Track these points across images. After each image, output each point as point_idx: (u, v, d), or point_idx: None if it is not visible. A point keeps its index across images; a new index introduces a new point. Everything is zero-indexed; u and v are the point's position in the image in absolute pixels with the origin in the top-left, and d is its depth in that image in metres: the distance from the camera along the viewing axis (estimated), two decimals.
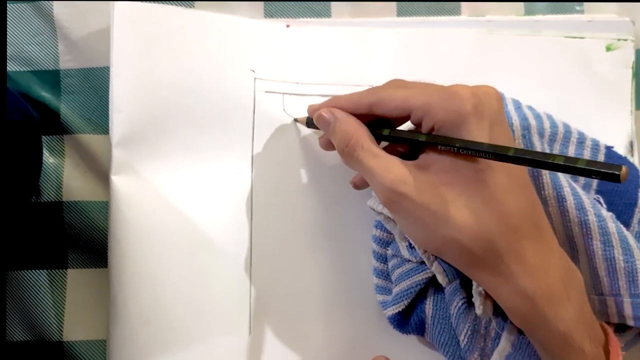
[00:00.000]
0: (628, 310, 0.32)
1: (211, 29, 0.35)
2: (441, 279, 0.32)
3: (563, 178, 0.33)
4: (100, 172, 0.37)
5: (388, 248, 0.35)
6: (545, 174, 0.33)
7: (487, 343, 0.33)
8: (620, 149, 0.38)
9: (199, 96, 0.35)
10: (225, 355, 0.34)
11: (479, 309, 0.30)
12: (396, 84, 0.31)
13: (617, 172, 0.22)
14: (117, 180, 0.34)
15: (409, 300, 0.34)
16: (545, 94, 0.38)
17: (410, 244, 0.33)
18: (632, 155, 0.38)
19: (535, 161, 0.25)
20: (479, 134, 0.27)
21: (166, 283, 0.34)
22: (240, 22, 0.36)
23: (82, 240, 0.36)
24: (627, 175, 0.22)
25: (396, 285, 0.35)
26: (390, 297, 0.35)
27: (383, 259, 0.36)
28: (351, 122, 0.31)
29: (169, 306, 0.34)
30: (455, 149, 0.27)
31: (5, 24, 0.37)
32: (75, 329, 0.36)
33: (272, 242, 0.36)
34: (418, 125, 0.30)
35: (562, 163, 0.24)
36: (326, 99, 0.33)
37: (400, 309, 0.34)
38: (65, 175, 0.37)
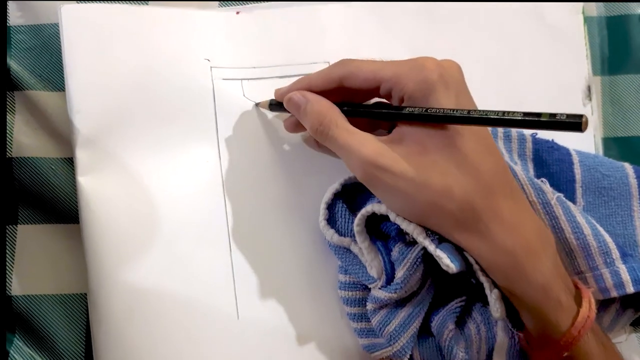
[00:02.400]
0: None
1: (161, 23, 0.35)
2: (447, 263, 0.29)
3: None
4: (51, 129, 0.36)
5: (358, 291, 0.34)
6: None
7: (481, 346, 0.33)
8: (578, 94, 0.38)
9: (157, 90, 0.35)
10: (216, 342, 0.33)
11: (497, 312, 0.30)
12: (361, 59, 0.31)
13: (579, 121, 0.23)
14: (84, 181, 0.33)
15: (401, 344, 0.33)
16: (498, 48, 0.39)
17: (385, 283, 0.32)
18: (590, 100, 0.38)
19: (500, 120, 0.26)
20: (446, 102, 0.28)
21: (147, 276, 0.33)
22: (190, 14, 0.36)
23: (32, 196, 0.35)
24: (587, 124, 0.23)
25: (385, 332, 0.33)
26: (378, 341, 0.34)
27: (357, 303, 0.34)
28: (323, 102, 0.31)
29: (152, 299, 0.33)
30: (426, 116, 0.28)
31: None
32: (25, 284, 0.35)
33: (249, 224, 0.35)
34: (387, 97, 0.30)
35: (528, 119, 0.25)
36: (285, 80, 0.34)
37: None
38: (16, 132, 0.36)
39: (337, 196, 0.34)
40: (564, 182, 0.36)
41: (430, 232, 0.30)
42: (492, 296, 0.30)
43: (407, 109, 0.28)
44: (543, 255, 0.29)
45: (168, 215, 0.34)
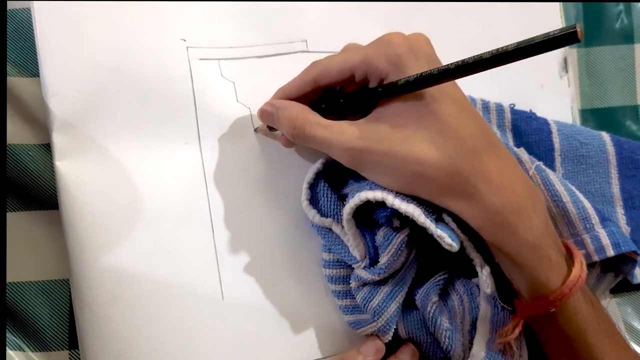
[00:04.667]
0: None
1: (135, 4, 0.35)
2: (449, 242, 0.30)
3: None
4: (28, 115, 0.36)
5: (342, 269, 0.35)
6: None
7: (465, 317, 0.33)
8: (555, 67, 0.39)
9: (133, 72, 0.34)
10: (201, 324, 0.33)
11: (488, 288, 0.30)
12: (328, 56, 0.32)
13: (573, 31, 0.22)
14: (62, 165, 0.33)
15: (385, 319, 0.33)
16: (473, 24, 0.39)
17: (368, 265, 0.32)
18: (567, 72, 0.39)
19: (492, 58, 0.24)
20: (418, 72, 0.28)
21: (129, 260, 0.33)
22: None
23: (11, 183, 0.35)
24: (582, 33, 0.22)
25: (368, 307, 0.33)
26: (364, 317, 0.34)
27: (341, 280, 0.35)
28: (293, 105, 0.32)
29: (135, 282, 0.33)
30: (405, 85, 0.28)
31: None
32: (10, 272, 0.35)
33: (231, 205, 0.35)
34: (364, 82, 0.31)
35: (522, 47, 0.23)
36: (263, 60, 0.35)
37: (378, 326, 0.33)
38: None
39: (318, 175, 0.34)
40: (543, 151, 0.36)
41: (427, 213, 0.29)
42: (484, 273, 0.30)
43: (401, 80, 0.28)
44: (533, 214, 0.29)
45: (148, 198, 0.34)
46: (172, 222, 0.34)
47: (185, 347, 0.33)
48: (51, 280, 0.35)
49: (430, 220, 0.29)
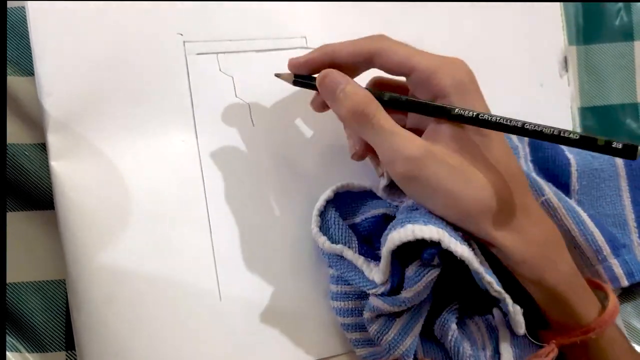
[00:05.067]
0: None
1: (130, 2, 0.34)
2: (497, 289, 0.29)
3: None
4: (23, 115, 0.35)
5: (351, 301, 0.34)
6: None
7: (485, 342, 0.33)
8: (555, 65, 0.38)
9: (129, 69, 0.34)
10: (198, 324, 0.33)
11: (521, 327, 0.30)
12: (393, 39, 0.30)
13: (634, 151, 0.24)
14: (57, 165, 0.33)
15: (401, 352, 0.32)
16: (473, 22, 0.39)
17: (387, 292, 0.31)
18: (567, 71, 0.39)
19: (554, 137, 0.26)
20: (479, 104, 0.28)
21: (125, 259, 0.33)
22: None
23: (8, 183, 0.35)
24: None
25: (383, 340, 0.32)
26: (378, 349, 0.33)
27: (350, 313, 0.34)
28: (364, 89, 0.29)
29: (132, 282, 0.33)
30: (481, 121, 0.27)
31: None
32: (7, 272, 0.34)
33: (228, 204, 0.35)
34: (414, 88, 0.29)
35: (583, 140, 0.25)
36: (262, 54, 0.34)
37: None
38: None
39: (329, 203, 0.34)
40: (559, 166, 0.36)
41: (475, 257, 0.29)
42: (516, 313, 0.30)
43: (468, 111, 0.28)
44: (565, 247, 0.30)
45: (145, 197, 0.33)
46: (169, 221, 0.34)
47: (183, 347, 0.33)
48: (47, 281, 0.35)
49: (481, 265, 0.29)
